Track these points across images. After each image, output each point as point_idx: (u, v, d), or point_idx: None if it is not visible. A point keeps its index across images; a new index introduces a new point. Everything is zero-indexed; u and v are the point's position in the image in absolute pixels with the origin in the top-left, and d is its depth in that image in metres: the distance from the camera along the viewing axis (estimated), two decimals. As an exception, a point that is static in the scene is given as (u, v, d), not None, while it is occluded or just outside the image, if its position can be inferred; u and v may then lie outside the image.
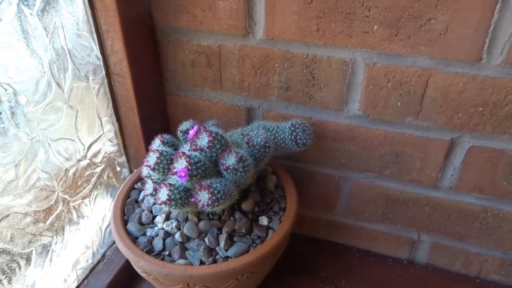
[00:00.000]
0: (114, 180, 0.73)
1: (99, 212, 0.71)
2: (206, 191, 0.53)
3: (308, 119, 0.68)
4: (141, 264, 0.55)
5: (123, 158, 0.75)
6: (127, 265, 0.69)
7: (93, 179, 0.67)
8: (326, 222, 0.80)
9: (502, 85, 0.55)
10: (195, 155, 0.55)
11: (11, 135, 0.50)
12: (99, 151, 0.67)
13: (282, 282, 0.74)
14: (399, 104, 0.61)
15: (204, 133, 0.56)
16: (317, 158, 0.72)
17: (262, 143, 0.59)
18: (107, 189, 0.72)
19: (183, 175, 0.54)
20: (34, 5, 0.50)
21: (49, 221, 0.59)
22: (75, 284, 0.67)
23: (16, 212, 0.53)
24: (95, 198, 0.69)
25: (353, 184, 0.73)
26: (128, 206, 0.64)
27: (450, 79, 0.57)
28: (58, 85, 0.56)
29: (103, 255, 0.73)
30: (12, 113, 0.49)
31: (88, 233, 0.69)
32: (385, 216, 0.74)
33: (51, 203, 0.58)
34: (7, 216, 0.52)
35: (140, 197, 0.65)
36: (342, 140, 0.68)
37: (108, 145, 0.70)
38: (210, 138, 0.56)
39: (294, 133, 0.62)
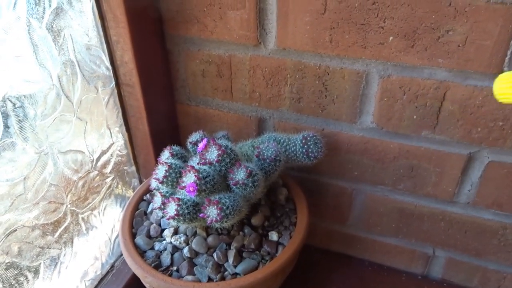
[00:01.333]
0: (124, 190, 0.72)
1: (108, 222, 0.70)
2: (215, 206, 0.52)
3: (320, 131, 0.66)
4: (149, 279, 0.54)
5: (133, 168, 0.74)
6: (136, 276, 0.68)
7: (103, 190, 0.66)
8: (338, 234, 0.79)
9: (524, 99, 0.53)
10: (204, 169, 0.54)
11: (19, 149, 0.49)
12: (108, 162, 0.67)
13: (293, 295, 0.73)
14: (414, 117, 0.59)
15: (213, 146, 0.55)
16: (330, 170, 0.70)
17: (272, 156, 0.58)
18: (116, 199, 0.71)
19: (191, 190, 0.53)
20: (43, 18, 0.50)
21: (57, 233, 0.58)
22: (84, 295, 0.67)
23: (24, 226, 0.53)
24: (104, 209, 0.68)
25: (367, 197, 0.71)
26: (136, 218, 0.63)
27: (468, 92, 0.55)
28: (67, 97, 0.55)
29: (112, 266, 0.72)
30: (20, 127, 0.49)
31: (97, 244, 0.68)
32: (399, 229, 0.72)
33: (59, 215, 0.58)
34: (15, 230, 0.51)
35: (149, 209, 0.64)
36: (356, 152, 0.66)
37: (117, 155, 0.69)
38: (220, 152, 0.54)
39: (305, 146, 0.61)
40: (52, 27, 0.52)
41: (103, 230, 0.69)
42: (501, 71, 0.52)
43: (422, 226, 0.70)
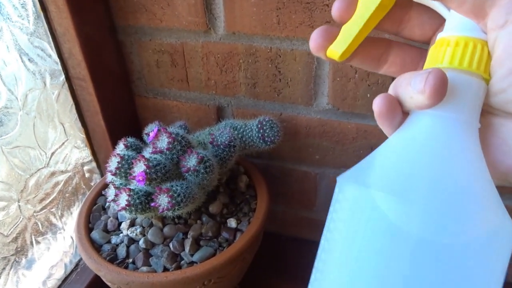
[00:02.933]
0: (84, 187, 0.71)
1: (70, 222, 0.69)
2: (166, 194, 0.51)
3: (278, 115, 0.66)
4: (103, 273, 0.53)
5: (93, 164, 0.73)
6: (100, 274, 0.67)
7: (59, 187, 0.65)
8: (307, 221, 0.78)
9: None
10: (155, 158, 0.53)
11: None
12: (64, 158, 0.65)
13: (262, 284, 0.72)
14: (368, 95, 0.59)
15: (164, 134, 0.54)
16: (292, 155, 0.70)
17: (226, 142, 0.57)
18: (77, 197, 0.70)
19: (141, 179, 0.52)
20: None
21: (10, 233, 0.57)
22: (46, 296, 0.65)
23: (-30, 225, 0.51)
24: (64, 207, 0.67)
25: (331, 180, 0.70)
26: (94, 213, 0.62)
27: (418, 66, 0.54)
28: (10, 91, 0.54)
29: (76, 265, 0.71)
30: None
31: (59, 244, 0.67)
32: (366, 212, 0.71)
33: (10, 214, 0.57)
34: (-40, 229, 0.50)
35: (107, 204, 0.63)
36: (315, 135, 0.66)
37: (75, 151, 0.68)
38: (170, 140, 0.53)
39: (261, 131, 0.60)
40: (-12, 19, 0.50)
41: (65, 230, 0.68)
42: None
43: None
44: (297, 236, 0.81)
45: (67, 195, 0.67)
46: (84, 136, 0.69)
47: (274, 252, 0.78)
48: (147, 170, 0.51)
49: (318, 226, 0.77)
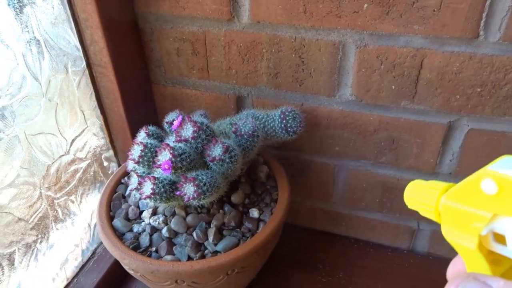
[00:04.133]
0: (102, 175, 0.71)
1: (87, 208, 0.69)
2: (192, 183, 0.51)
3: (299, 106, 0.65)
4: (127, 261, 0.52)
5: (111, 152, 0.72)
6: (118, 262, 0.67)
7: (78, 174, 0.65)
8: (322, 212, 0.78)
9: (501, 63, 0.52)
10: (180, 147, 0.53)
11: (-16, 130, 0.47)
12: (83, 146, 0.65)
13: (278, 274, 0.72)
14: (393, 87, 0.58)
15: (188, 123, 0.54)
16: (311, 146, 0.69)
17: (250, 132, 0.57)
18: (95, 184, 0.70)
19: (166, 167, 0.51)
20: (2, -7, 0.48)
21: (32, 219, 0.57)
22: (64, 283, 0.65)
23: (-6, 211, 0.51)
24: (82, 195, 0.66)
25: (349, 172, 0.70)
26: (114, 201, 0.62)
27: (445, 59, 0.54)
28: (34, 77, 0.53)
29: (93, 253, 0.71)
30: (-16, 107, 0.47)
31: (76, 231, 0.67)
32: (383, 204, 0.72)
33: (33, 200, 0.56)
34: (-15, 215, 0.50)
35: (127, 192, 0.63)
36: (336, 126, 0.65)
37: (93, 139, 0.67)
38: (195, 128, 0.53)
39: (284, 121, 0.60)
40: (13, 3, 0.49)
41: (82, 217, 0.68)
42: (477, 36, 0.51)
43: (406, 200, 0.69)
44: (312, 227, 0.81)
45: (85, 182, 0.67)
46: (103, 123, 0.69)
47: (289, 242, 0.78)
48: (173, 159, 0.51)
49: (334, 217, 0.77)
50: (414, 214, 0.71)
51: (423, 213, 0.32)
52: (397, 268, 0.73)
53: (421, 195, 0.31)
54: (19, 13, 0.50)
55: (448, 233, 0.29)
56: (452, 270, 0.29)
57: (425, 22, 0.52)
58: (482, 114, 0.56)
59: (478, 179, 0.26)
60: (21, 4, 0.50)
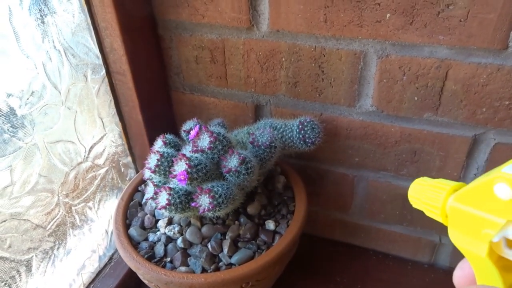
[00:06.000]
0: (120, 181, 0.71)
1: (104, 215, 0.69)
2: (207, 195, 0.50)
3: (319, 116, 0.64)
4: (141, 271, 0.52)
5: (129, 159, 0.73)
6: (134, 269, 0.67)
7: (96, 181, 0.65)
8: (341, 223, 0.76)
9: (531, 75, 0.50)
10: (196, 157, 0.52)
11: (3, 139, 0.48)
12: (102, 153, 0.65)
13: (294, 286, 0.71)
14: (416, 98, 0.57)
15: (205, 133, 0.53)
16: (330, 156, 0.68)
17: (267, 142, 0.56)
18: (112, 191, 0.70)
19: (182, 178, 0.51)
20: (22, 2, 0.48)
21: (49, 226, 0.57)
22: (81, 288, 0.66)
23: (13, 218, 0.51)
24: (99, 201, 0.67)
25: (369, 184, 0.68)
26: (131, 209, 0.62)
27: (472, 70, 0.52)
28: (54, 86, 0.54)
29: (110, 258, 0.71)
30: (4, 116, 0.47)
31: (94, 237, 0.67)
32: (404, 217, 0.70)
33: (51, 207, 0.57)
34: (4, 221, 0.50)
35: (144, 200, 0.63)
36: (356, 137, 0.64)
37: (111, 146, 0.68)
38: (211, 139, 0.53)
39: (302, 132, 0.59)
40: (34, 12, 0.50)
41: (100, 223, 0.68)
42: (506, 47, 0.49)
43: (427, 213, 0.67)
44: (330, 238, 0.80)
45: (103, 189, 0.67)
46: (121, 130, 0.69)
47: (306, 253, 0.77)
48: (189, 170, 0.50)
49: (352, 228, 0.76)
50: (436, 227, 0.69)
51: (428, 213, 0.30)
52: (417, 283, 0.71)
53: (427, 194, 0.29)
54: (40, 23, 0.51)
55: (456, 237, 0.27)
56: (459, 274, 0.27)
57: (450, 33, 0.50)
58: (510, 127, 0.54)
59: (491, 182, 0.24)
60: (42, 14, 0.51)
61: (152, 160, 0.55)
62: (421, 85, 0.55)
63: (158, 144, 0.60)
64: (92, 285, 0.67)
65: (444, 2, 0.49)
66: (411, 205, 0.70)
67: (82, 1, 0.56)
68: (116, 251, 0.72)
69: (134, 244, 0.56)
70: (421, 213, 0.69)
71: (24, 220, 0.53)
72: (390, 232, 0.73)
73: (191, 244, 0.56)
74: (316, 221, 0.78)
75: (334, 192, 0.72)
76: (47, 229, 0.57)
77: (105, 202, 0.69)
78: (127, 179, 0.73)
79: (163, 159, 0.55)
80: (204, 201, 0.50)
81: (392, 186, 0.67)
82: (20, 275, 0.54)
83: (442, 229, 0.68)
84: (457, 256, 0.70)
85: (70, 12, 0.55)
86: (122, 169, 0.71)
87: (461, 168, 0.60)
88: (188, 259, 0.54)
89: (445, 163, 0.60)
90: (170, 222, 0.58)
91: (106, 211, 0.69)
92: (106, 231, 0.70)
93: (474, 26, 0.49)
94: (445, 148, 0.59)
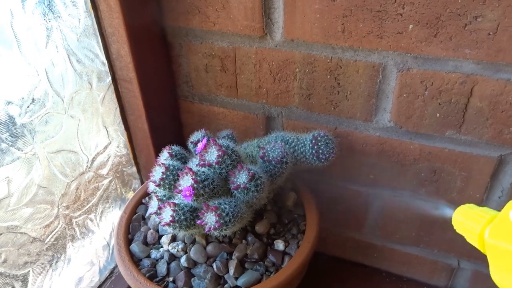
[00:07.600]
0: (123, 192, 0.68)
1: (106, 226, 0.66)
2: (213, 213, 0.47)
3: (333, 130, 0.61)
4: (142, 291, 0.49)
5: (133, 169, 0.70)
6: (135, 285, 0.64)
7: (99, 192, 0.63)
8: (353, 242, 0.73)
9: None
10: (203, 172, 0.49)
11: (1, 149, 0.46)
12: (105, 162, 0.63)
13: (303, 308, 0.67)
14: (438, 115, 0.53)
15: (213, 146, 0.51)
16: (344, 172, 0.65)
17: (278, 158, 0.53)
18: (116, 202, 0.67)
19: (188, 194, 0.48)
20: (24, 5, 0.46)
21: (48, 239, 0.55)
22: (80, 303, 0.63)
23: (9, 232, 0.49)
24: (101, 213, 0.64)
25: (384, 202, 0.65)
26: (134, 223, 0.59)
27: (500, 87, 0.48)
28: (56, 93, 0.51)
29: (111, 272, 0.68)
30: (2, 125, 0.45)
31: (94, 249, 0.65)
32: (420, 238, 0.66)
33: (50, 220, 0.54)
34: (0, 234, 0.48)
35: (147, 214, 0.60)
36: (372, 153, 0.61)
37: (116, 155, 0.65)
38: (220, 153, 0.50)
39: (315, 147, 0.55)
40: (37, 16, 0.48)
41: (101, 235, 0.66)
42: (539, 63, 0.45)
43: (446, 235, 0.63)
44: (341, 257, 0.76)
45: (106, 200, 0.65)
46: (127, 139, 0.66)
47: (315, 272, 0.73)
48: (195, 185, 0.48)
49: (365, 248, 0.72)
50: (455, 251, 0.65)
51: (469, 240, 0.30)
52: (433, 308, 0.67)
53: (468, 222, 0.29)
54: (44, 28, 0.48)
55: (497, 276, 0.25)
56: None
57: (478, 46, 0.47)
58: (539, 149, 0.50)
59: (506, 210, 0.22)
60: (46, 18, 0.49)
61: (157, 173, 0.52)
62: (444, 101, 0.52)
63: (164, 156, 0.57)
64: (91, 301, 0.64)
65: (472, 14, 0.45)
66: (428, 226, 0.66)
67: (88, 5, 0.54)
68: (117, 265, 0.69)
69: (136, 261, 0.54)
70: (439, 235, 0.65)
71: (21, 233, 0.50)
72: (405, 254, 0.69)
73: (195, 263, 0.53)
74: (327, 238, 0.74)
75: (347, 210, 0.69)
76: (45, 242, 0.54)
77: (107, 213, 0.66)
78: (131, 190, 0.70)
79: (168, 172, 0.52)
80: (210, 219, 0.47)
81: (409, 206, 0.63)
82: (15, 291, 0.51)
83: (461, 252, 0.64)
84: (478, 282, 0.66)
85: (75, 16, 0.53)
86: (126, 179, 0.69)
87: (484, 190, 0.56)
88: (192, 279, 0.51)
89: (467, 184, 0.57)
90: (174, 239, 0.55)
91: (108, 222, 0.67)
92: (108, 243, 0.67)
93: (504, 40, 0.45)
94: (467, 168, 0.55)
